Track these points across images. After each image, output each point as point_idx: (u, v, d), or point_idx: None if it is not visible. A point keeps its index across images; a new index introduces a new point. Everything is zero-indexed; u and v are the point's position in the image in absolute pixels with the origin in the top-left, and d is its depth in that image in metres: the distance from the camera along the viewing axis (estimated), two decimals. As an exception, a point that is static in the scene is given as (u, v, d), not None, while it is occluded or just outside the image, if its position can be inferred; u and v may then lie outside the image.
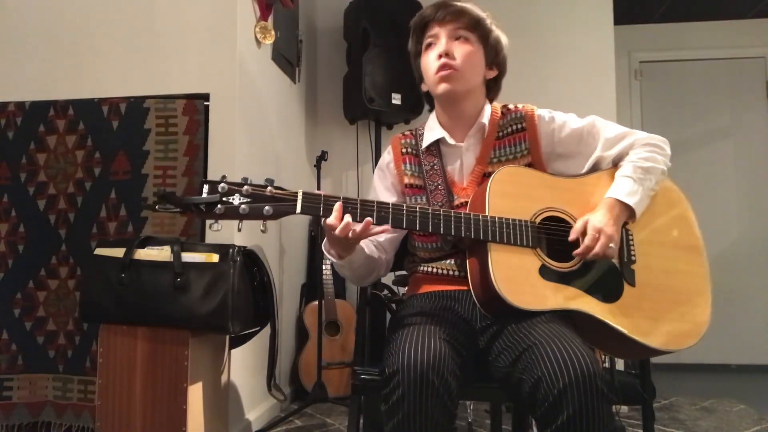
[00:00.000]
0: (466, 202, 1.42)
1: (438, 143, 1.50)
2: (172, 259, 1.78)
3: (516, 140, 1.46)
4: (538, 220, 1.34)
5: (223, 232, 1.22)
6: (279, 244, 2.84)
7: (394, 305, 2.00)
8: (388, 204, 1.27)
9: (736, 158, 4.26)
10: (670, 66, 4.35)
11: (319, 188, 3.01)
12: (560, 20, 3.31)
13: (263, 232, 1.20)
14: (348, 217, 1.22)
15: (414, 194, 1.49)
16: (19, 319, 2.25)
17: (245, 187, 1.18)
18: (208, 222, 1.18)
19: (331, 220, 1.22)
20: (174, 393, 1.73)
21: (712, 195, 4.16)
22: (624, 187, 1.38)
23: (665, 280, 1.38)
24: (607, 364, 2.43)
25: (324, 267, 2.94)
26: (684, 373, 3.81)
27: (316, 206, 1.22)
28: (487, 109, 1.49)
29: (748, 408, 2.97)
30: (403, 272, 1.61)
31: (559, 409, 1.08)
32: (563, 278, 1.31)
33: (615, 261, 1.36)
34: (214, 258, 1.79)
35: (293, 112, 3.11)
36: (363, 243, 1.40)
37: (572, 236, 1.32)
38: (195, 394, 1.78)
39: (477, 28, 1.44)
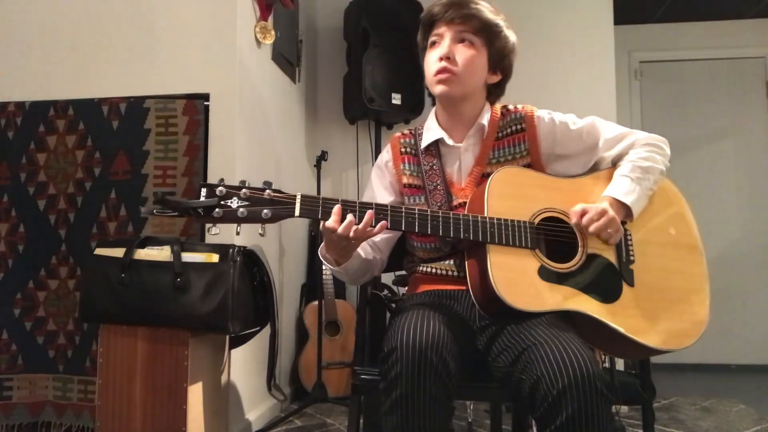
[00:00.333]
0: (465, 203, 1.42)
1: (437, 143, 1.50)
2: (172, 259, 1.78)
3: (515, 141, 1.46)
4: (537, 220, 1.34)
5: (222, 232, 1.22)
6: (279, 244, 2.84)
7: (394, 305, 2.00)
8: (386, 206, 1.27)
9: (736, 158, 4.26)
10: (670, 66, 4.35)
11: (319, 188, 3.01)
12: (560, 20, 3.31)
13: (262, 235, 1.21)
14: (350, 216, 1.21)
15: (412, 194, 1.48)
16: (19, 319, 2.25)
17: (243, 190, 1.17)
18: (206, 226, 1.17)
19: (330, 223, 1.22)
20: (174, 393, 1.73)
21: (712, 195, 4.16)
22: (622, 187, 1.38)
23: (664, 280, 1.38)
24: (607, 364, 2.43)
25: (324, 267, 2.94)
26: (684, 373, 3.81)
27: (315, 209, 1.22)
28: (487, 110, 1.49)
29: (748, 408, 2.97)
30: (403, 272, 1.61)
31: (559, 409, 1.08)
32: (562, 279, 1.31)
33: (614, 261, 1.36)
34: (214, 258, 1.79)
35: (293, 112, 3.11)
36: (360, 247, 1.40)
37: (573, 218, 1.33)
38: (195, 394, 1.78)
39: (483, 33, 1.42)
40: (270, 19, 2.61)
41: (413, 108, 3.12)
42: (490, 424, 2.05)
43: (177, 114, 2.24)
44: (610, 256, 1.36)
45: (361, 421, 1.56)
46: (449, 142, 1.48)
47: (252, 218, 1.17)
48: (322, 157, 3.00)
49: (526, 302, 1.25)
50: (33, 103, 2.33)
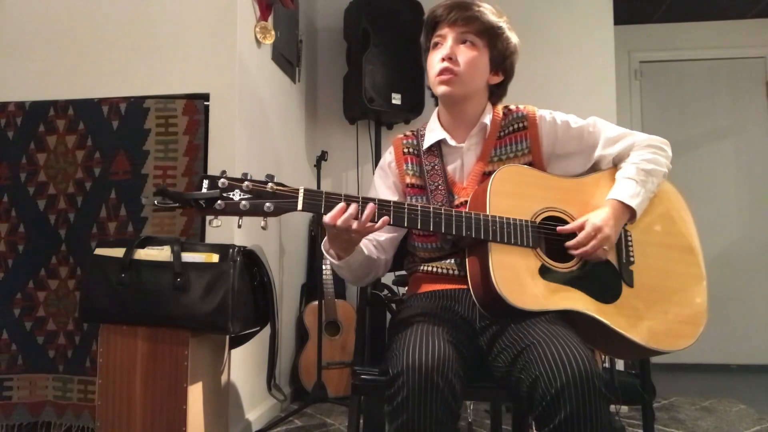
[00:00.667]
0: (466, 202, 1.42)
1: (439, 144, 1.51)
2: (172, 259, 1.78)
3: (517, 139, 1.47)
4: (538, 219, 1.34)
5: (223, 229, 1.22)
6: (279, 244, 2.84)
7: (394, 305, 2.00)
8: (389, 202, 1.26)
9: (736, 158, 4.26)
10: (670, 66, 4.35)
11: (319, 188, 3.00)
12: (560, 20, 3.31)
13: (264, 228, 1.20)
14: (351, 208, 1.20)
15: (414, 194, 1.49)
16: (19, 319, 2.25)
17: (246, 182, 1.16)
18: (207, 218, 1.17)
19: (330, 216, 1.21)
20: (174, 393, 1.73)
21: (712, 195, 4.16)
22: (627, 189, 1.38)
23: (663, 280, 1.39)
24: (607, 364, 2.43)
25: (324, 267, 2.94)
26: (684, 373, 3.81)
27: (318, 203, 1.21)
28: (489, 110, 1.50)
29: (748, 408, 2.97)
30: (403, 272, 1.61)
31: (557, 408, 1.08)
32: (563, 279, 1.31)
33: (614, 261, 1.37)
34: (214, 258, 1.79)
35: (293, 112, 3.11)
36: (362, 243, 1.40)
37: (568, 227, 1.33)
38: (195, 394, 1.78)
39: (485, 34, 1.44)
40: (270, 19, 2.61)
41: (413, 108, 3.12)
42: (490, 424, 2.05)
43: (177, 114, 2.24)
44: (611, 256, 1.36)
45: (361, 421, 1.56)
46: (452, 142, 1.48)
47: (254, 211, 1.16)
48: (322, 157, 3.00)
49: (527, 301, 1.26)
50: (33, 103, 2.33)
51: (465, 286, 1.36)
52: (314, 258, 3.23)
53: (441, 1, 1.48)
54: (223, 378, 2.00)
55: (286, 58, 2.90)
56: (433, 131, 1.51)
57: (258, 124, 2.57)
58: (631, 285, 1.36)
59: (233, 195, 1.15)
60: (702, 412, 2.90)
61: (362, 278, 1.49)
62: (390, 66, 3.04)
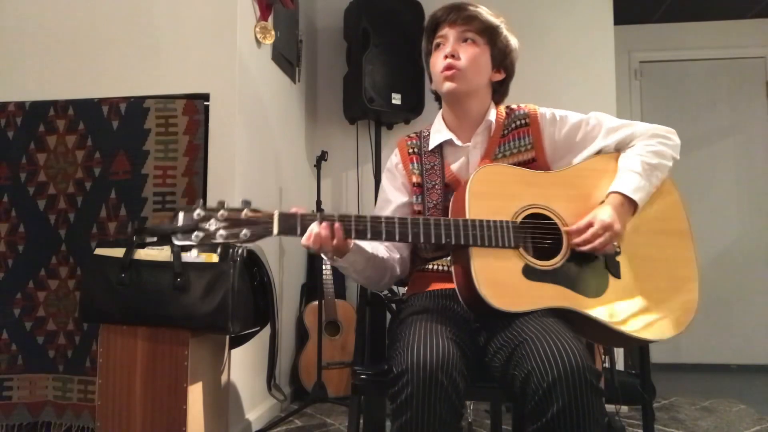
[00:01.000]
0: None
1: (441, 144, 1.52)
2: (172, 259, 1.78)
3: (520, 135, 1.48)
4: (519, 218, 1.33)
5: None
6: (279, 244, 2.84)
7: (394, 305, 2.00)
8: (365, 217, 1.27)
9: (736, 158, 4.26)
10: (670, 66, 4.35)
11: (319, 188, 3.01)
12: (560, 20, 3.31)
13: (243, 255, 1.19)
14: (315, 228, 1.20)
15: (415, 193, 1.51)
16: (19, 319, 2.25)
17: (221, 211, 1.17)
18: (184, 251, 1.17)
19: (304, 240, 1.21)
20: (174, 393, 1.73)
21: (712, 195, 4.15)
22: (631, 182, 1.37)
23: (651, 269, 1.37)
24: (607, 364, 2.43)
25: (324, 267, 2.94)
26: (684, 373, 3.81)
27: (293, 226, 1.22)
28: (493, 109, 1.52)
29: (748, 408, 2.97)
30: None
31: (549, 402, 1.09)
32: (548, 276, 1.30)
33: (600, 255, 1.34)
34: (214, 258, 1.79)
35: (293, 112, 3.11)
36: (366, 244, 1.40)
37: (574, 228, 1.32)
38: (195, 394, 1.78)
39: (485, 33, 1.47)
40: (270, 19, 2.61)
41: (413, 108, 3.12)
42: (490, 424, 2.05)
43: (177, 114, 2.24)
44: None
45: (361, 421, 1.56)
46: (458, 142, 1.50)
47: (231, 239, 1.17)
48: (322, 157, 3.00)
49: (511, 303, 1.25)
50: (33, 103, 2.33)
51: None
52: (314, 258, 3.23)
53: (428, 5, 1.51)
54: (223, 378, 2.00)
55: (286, 58, 2.90)
56: (439, 132, 1.53)
57: (258, 124, 2.57)
58: (618, 277, 1.34)
59: (209, 225, 1.16)
60: (702, 412, 2.90)
61: (377, 281, 1.50)
62: (390, 66, 3.04)
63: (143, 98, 2.27)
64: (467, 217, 1.30)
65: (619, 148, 1.46)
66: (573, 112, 1.51)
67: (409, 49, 3.03)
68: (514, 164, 1.45)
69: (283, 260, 2.88)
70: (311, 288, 3.20)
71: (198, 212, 1.17)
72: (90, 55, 2.39)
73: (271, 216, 1.20)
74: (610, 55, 3.25)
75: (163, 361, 1.75)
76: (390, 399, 1.16)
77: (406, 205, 1.53)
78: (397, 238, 1.27)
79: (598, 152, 1.47)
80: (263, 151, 2.63)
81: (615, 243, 1.32)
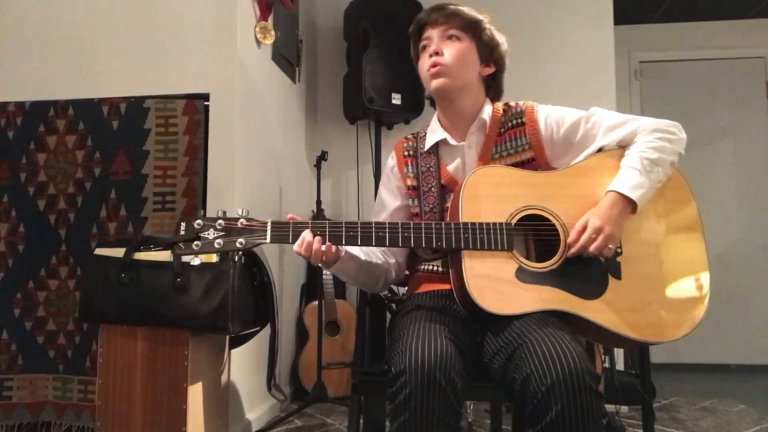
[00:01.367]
0: None
1: (438, 144, 1.51)
2: (172, 259, 1.78)
3: (516, 134, 1.46)
4: (514, 220, 1.32)
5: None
6: (279, 244, 2.83)
7: (394, 305, 2.00)
8: (355, 223, 1.29)
9: (736, 158, 4.26)
10: (670, 66, 4.34)
11: (319, 188, 3.01)
12: (560, 20, 3.31)
13: (240, 260, 1.26)
14: (308, 237, 1.26)
15: (411, 197, 1.50)
16: (19, 319, 2.25)
17: (219, 221, 1.27)
18: (185, 258, 1.28)
19: (296, 248, 1.27)
20: (174, 393, 1.73)
21: (712, 195, 4.15)
22: (629, 180, 1.32)
23: (655, 269, 1.33)
24: (607, 364, 2.43)
25: (324, 267, 2.94)
26: (684, 373, 3.81)
27: (285, 234, 1.29)
28: (488, 106, 1.50)
29: (748, 408, 2.97)
30: (406, 271, 1.62)
31: (548, 405, 1.08)
32: (542, 279, 1.28)
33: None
34: (214, 258, 1.79)
35: (293, 112, 3.11)
36: (359, 251, 1.41)
37: (571, 237, 1.29)
38: (195, 394, 1.78)
39: (468, 28, 1.46)
40: (270, 19, 2.61)
41: (413, 108, 3.12)
42: (490, 424, 2.05)
43: (177, 114, 2.24)
44: None
45: (361, 421, 1.56)
46: (452, 142, 1.49)
47: (228, 248, 1.27)
48: (322, 157, 2.99)
49: (502, 306, 1.25)
50: (33, 103, 2.33)
51: None
52: (314, 258, 3.23)
53: (426, 6, 1.52)
54: (223, 378, 2.00)
55: (286, 58, 2.90)
56: (434, 132, 1.52)
57: (258, 124, 2.57)
58: (618, 277, 1.31)
59: (208, 234, 1.26)
60: (702, 412, 2.90)
61: (371, 285, 1.51)
62: (390, 66, 3.04)
63: (143, 98, 2.27)
64: (461, 220, 1.30)
65: (621, 146, 1.40)
66: (572, 108, 1.47)
67: (410, 49, 3.02)
68: (513, 165, 1.43)
69: (283, 260, 2.88)
70: (311, 288, 3.20)
71: (198, 222, 1.26)
72: (90, 55, 2.39)
73: (264, 225, 1.28)
74: (610, 55, 3.25)
75: (163, 361, 1.75)
76: (388, 399, 1.17)
77: (402, 208, 1.53)
78: (387, 243, 1.29)
79: (599, 150, 1.43)
80: (263, 151, 2.63)
81: (611, 245, 1.28)
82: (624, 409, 2.82)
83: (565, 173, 1.40)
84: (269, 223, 1.28)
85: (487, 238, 1.28)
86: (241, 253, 1.81)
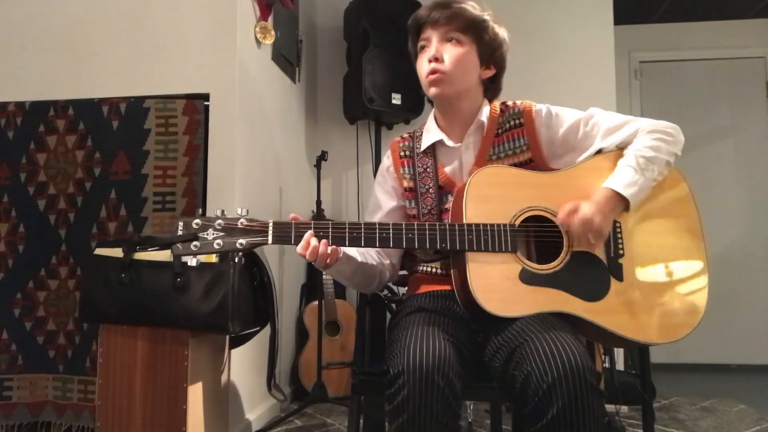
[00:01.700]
0: None
1: (435, 145, 1.50)
2: (172, 259, 1.78)
3: (514, 136, 1.45)
4: (518, 221, 1.32)
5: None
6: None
7: (394, 305, 2.00)
8: (359, 224, 1.27)
9: (736, 158, 4.26)
10: (670, 66, 4.34)
11: (319, 188, 3.01)
12: (560, 20, 3.31)
13: (240, 261, 1.24)
14: (313, 241, 1.24)
15: (408, 198, 1.49)
16: (19, 319, 2.25)
17: (218, 221, 1.23)
18: (183, 258, 1.24)
19: (299, 249, 1.24)
20: (174, 393, 1.73)
21: (712, 195, 4.15)
22: (623, 178, 1.33)
23: (656, 271, 1.34)
24: (607, 364, 2.43)
25: (324, 267, 2.94)
26: (684, 373, 3.81)
27: (287, 235, 1.26)
28: (486, 107, 1.48)
29: (748, 408, 2.97)
30: (404, 272, 1.61)
31: (549, 403, 1.09)
32: (545, 281, 1.29)
33: (602, 256, 1.33)
34: (214, 258, 1.79)
35: (293, 112, 3.11)
36: (355, 251, 1.40)
37: (560, 216, 1.30)
38: (195, 394, 1.78)
39: (469, 30, 1.42)
40: (270, 19, 2.61)
41: (413, 108, 3.12)
42: (490, 424, 2.05)
43: (177, 114, 2.24)
44: (598, 251, 1.33)
45: (361, 421, 1.56)
46: (449, 143, 1.47)
47: (228, 248, 1.23)
48: (322, 157, 3.00)
49: (506, 308, 1.25)
50: (33, 103, 2.33)
51: None
52: (314, 258, 3.23)
53: (425, 5, 1.47)
54: (223, 378, 2.00)
55: (286, 58, 2.90)
56: (430, 132, 1.51)
57: (258, 124, 2.57)
58: (620, 279, 1.32)
59: (207, 235, 1.22)
60: (702, 412, 2.90)
61: (365, 286, 1.50)
62: (390, 66, 3.04)
63: (143, 98, 2.27)
64: (464, 220, 1.29)
65: (620, 148, 1.41)
66: (571, 109, 1.47)
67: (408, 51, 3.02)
68: (511, 166, 1.42)
69: (283, 260, 2.88)
70: (311, 288, 3.20)
71: (197, 222, 1.22)
72: (90, 55, 2.39)
73: (265, 225, 1.25)
74: (610, 54, 3.25)
75: (163, 361, 1.75)
76: (387, 400, 1.16)
77: (398, 209, 1.52)
78: (391, 244, 1.28)
79: (599, 151, 1.43)
80: (263, 151, 2.63)
81: (592, 237, 1.28)
82: (624, 409, 2.82)
83: (568, 174, 1.40)
84: (271, 224, 1.25)
85: (492, 239, 1.28)
86: (241, 253, 1.81)
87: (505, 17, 1.52)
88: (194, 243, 1.21)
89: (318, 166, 3.01)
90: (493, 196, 1.33)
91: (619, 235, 1.35)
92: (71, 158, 2.29)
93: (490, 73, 1.48)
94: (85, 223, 2.25)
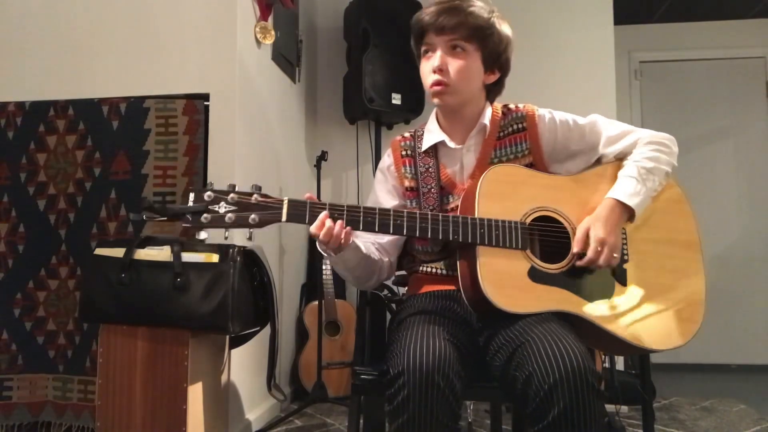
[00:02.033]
0: None
1: (436, 145, 1.50)
2: (172, 259, 1.78)
3: (517, 140, 1.46)
4: (528, 220, 1.33)
5: (221, 230, 1.22)
6: (279, 244, 2.84)
7: (394, 305, 2.00)
8: (374, 209, 1.27)
9: (736, 158, 4.26)
10: (670, 66, 4.35)
11: (319, 188, 3.01)
12: (560, 20, 3.31)
13: (249, 240, 1.22)
14: (329, 222, 1.22)
15: (409, 197, 1.49)
16: (19, 319, 2.25)
17: (231, 195, 1.19)
18: (194, 231, 1.20)
19: (313, 229, 1.23)
20: (174, 393, 1.73)
21: (712, 195, 4.16)
22: (626, 188, 1.36)
23: (658, 278, 1.37)
24: (607, 364, 2.43)
25: (324, 267, 2.94)
26: (684, 373, 3.81)
27: (302, 214, 1.23)
28: (488, 109, 1.49)
29: (748, 408, 2.97)
30: (403, 272, 1.61)
31: (551, 404, 1.09)
32: (553, 280, 1.30)
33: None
34: (214, 258, 1.79)
35: (293, 112, 3.11)
36: (360, 243, 1.40)
37: (575, 248, 1.31)
38: (195, 394, 1.78)
39: (474, 37, 1.40)
40: (270, 19, 2.61)
41: (413, 108, 3.12)
42: (490, 424, 2.05)
43: (177, 114, 2.24)
44: None
45: (361, 421, 1.56)
46: (451, 144, 1.48)
47: (239, 223, 1.18)
48: (322, 157, 3.00)
49: (515, 304, 1.25)
50: (33, 103, 2.33)
51: None
52: (314, 258, 3.23)
53: (427, 5, 1.45)
54: (223, 378, 2.00)
55: (286, 58, 2.90)
56: (432, 132, 1.50)
57: (258, 124, 2.57)
58: (624, 284, 1.35)
59: (219, 208, 1.18)
60: (702, 412, 2.90)
61: (365, 280, 1.49)
62: (390, 66, 3.04)
63: (143, 98, 2.27)
64: (476, 215, 1.30)
65: (619, 158, 1.44)
66: (573, 115, 1.48)
67: (409, 49, 3.00)
68: None
69: (283, 260, 2.88)
70: (311, 288, 3.20)
71: (209, 194, 1.17)
72: (90, 55, 2.39)
73: (280, 202, 1.21)
74: (610, 55, 3.25)
75: (163, 361, 1.75)
76: (387, 400, 1.16)
77: (399, 208, 1.52)
78: (405, 231, 1.27)
79: (599, 159, 1.46)
80: (263, 151, 2.63)
81: (616, 254, 1.30)
82: (624, 409, 2.82)
83: (577, 178, 1.42)
84: (286, 200, 1.21)
85: (503, 235, 1.29)
86: (240, 254, 1.81)
87: (504, 18, 1.51)
88: (205, 215, 1.17)
89: (318, 166, 3.01)
90: (505, 193, 1.34)
91: (624, 242, 1.38)
92: (71, 158, 2.29)
93: (494, 77, 1.47)
94: (85, 223, 2.25)
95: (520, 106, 1.49)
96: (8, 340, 2.24)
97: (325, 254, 1.36)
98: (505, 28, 1.45)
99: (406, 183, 1.50)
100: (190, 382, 1.74)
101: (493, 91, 1.51)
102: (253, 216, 1.18)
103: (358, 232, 1.33)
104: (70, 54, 2.40)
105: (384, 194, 1.54)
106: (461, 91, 1.42)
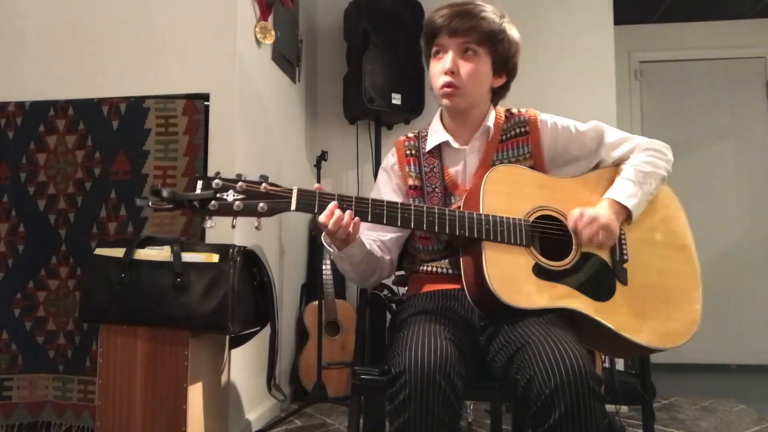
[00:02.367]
0: None
1: (440, 145, 1.51)
2: (172, 259, 1.78)
3: (518, 143, 1.48)
4: (531, 218, 1.35)
5: (220, 229, 1.22)
6: (279, 244, 2.84)
7: (394, 305, 2.00)
8: (382, 201, 1.28)
9: (736, 158, 4.26)
10: (670, 66, 4.34)
11: (319, 188, 3.00)
12: (560, 20, 3.31)
13: (257, 228, 1.20)
14: (338, 211, 1.23)
15: (413, 196, 1.50)
16: (19, 319, 2.25)
17: (239, 183, 1.18)
18: (201, 218, 1.18)
19: (323, 218, 1.23)
20: (174, 393, 1.73)
21: (712, 195, 4.15)
22: (624, 190, 1.40)
23: (657, 278, 1.40)
24: (607, 364, 2.43)
25: (324, 267, 2.94)
26: (684, 373, 3.81)
27: (311, 203, 1.23)
28: (492, 112, 1.51)
29: (748, 408, 2.97)
30: (403, 272, 1.62)
31: (551, 407, 1.09)
32: (556, 277, 1.32)
33: (608, 260, 1.38)
34: (214, 258, 1.79)
35: (293, 112, 3.11)
36: (366, 241, 1.40)
37: (570, 224, 1.35)
38: (195, 394, 1.78)
39: (486, 42, 1.42)
40: (270, 19, 2.61)
41: (413, 108, 3.12)
42: (490, 424, 2.05)
43: (177, 114, 2.24)
44: (605, 255, 1.38)
45: (361, 421, 1.56)
46: (455, 145, 1.49)
47: (248, 212, 1.17)
48: (322, 157, 3.00)
49: (520, 299, 1.26)
50: (33, 103, 2.33)
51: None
52: (314, 258, 3.23)
53: (440, 6, 1.46)
54: (223, 378, 2.00)
55: (286, 58, 2.90)
56: (436, 133, 1.52)
57: (258, 124, 2.57)
58: (625, 283, 1.37)
59: (227, 196, 1.17)
60: (702, 412, 2.90)
61: (366, 276, 1.49)
62: (390, 66, 3.04)
63: (143, 98, 2.27)
64: (481, 212, 1.31)
65: (617, 164, 1.49)
66: (574, 121, 1.51)
67: (409, 49, 3.02)
68: None
69: (283, 260, 2.88)
70: (311, 288, 3.20)
71: (217, 182, 1.17)
72: (90, 55, 2.39)
73: (289, 191, 1.21)
74: (610, 55, 3.25)
75: (163, 361, 1.75)
76: (388, 400, 1.16)
77: None
78: (412, 225, 1.28)
79: (597, 164, 1.50)
80: (263, 151, 2.63)
81: (603, 233, 1.33)
82: (624, 409, 2.82)
83: (578, 180, 1.46)
84: (295, 189, 1.21)
85: (507, 231, 1.30)
86: (240, 254, 1.81)
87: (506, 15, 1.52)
88: (212, 203, 1.15)
89: (318, 166, 3.01)
90: (509, 192, 1.36)
91: (623, 242, 1.41)
92: (71, 158, 2.29)
93: (501, 81, 1.50)
94: (85, 223, 2.25)
95: (523, 110, 1.52)
96: (8, 340, 2.24)
97: (330, 249, 1.36)
98: (514, 33, 1.48)
99: (410, 182, 1.51)
100: (190, 382, 1.74)
101: (498, 94, 1.53)
102: (261, 204, 1.18)
103: (360, 230, 1.33)
104: (70, 54, 2.40)
105: (388, 192, 1.55)
106: (471, 94, 1.44)
